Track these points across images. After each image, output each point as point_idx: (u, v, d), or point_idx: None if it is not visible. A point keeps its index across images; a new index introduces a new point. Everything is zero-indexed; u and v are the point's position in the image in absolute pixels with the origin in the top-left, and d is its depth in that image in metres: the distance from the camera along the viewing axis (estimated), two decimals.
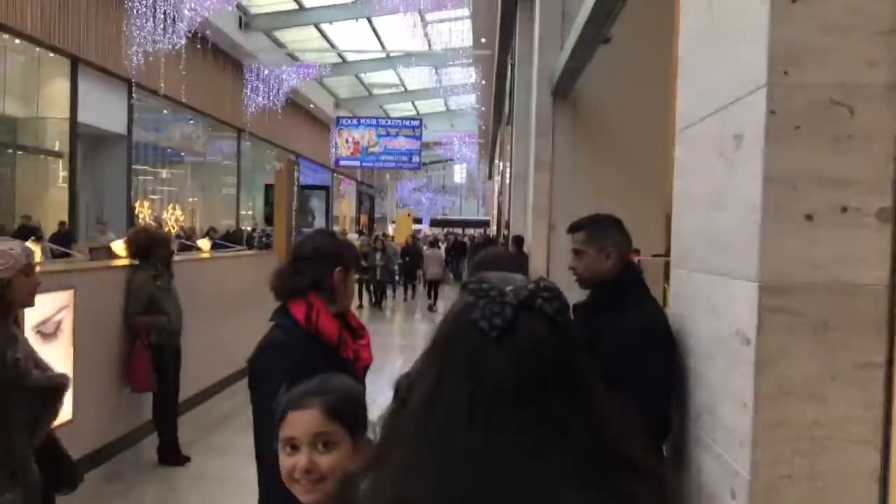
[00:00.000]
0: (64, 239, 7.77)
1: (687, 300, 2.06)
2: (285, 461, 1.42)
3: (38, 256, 4.88)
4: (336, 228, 24.76)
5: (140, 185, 17.60)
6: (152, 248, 4.52)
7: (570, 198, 7.79)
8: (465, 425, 0.74)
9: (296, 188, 8.14)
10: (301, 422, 1.41)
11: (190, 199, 20.43)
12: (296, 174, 8.10)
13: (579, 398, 0.78)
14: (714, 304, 1.80)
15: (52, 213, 13.54)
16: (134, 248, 4.60)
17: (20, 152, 13.76)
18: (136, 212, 16.49)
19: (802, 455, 1.51)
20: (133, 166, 15.99)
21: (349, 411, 1.44)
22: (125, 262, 4.76)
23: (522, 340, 0.77)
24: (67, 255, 5.83)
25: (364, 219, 31.94)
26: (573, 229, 2.37)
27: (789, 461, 1.52)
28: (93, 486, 4.29)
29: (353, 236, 18.31)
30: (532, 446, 0.73)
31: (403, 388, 0.82)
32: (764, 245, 1.52)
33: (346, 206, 31.09)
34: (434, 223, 35.95)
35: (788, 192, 1.51)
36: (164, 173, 19.52)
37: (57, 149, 13.62)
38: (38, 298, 3.65)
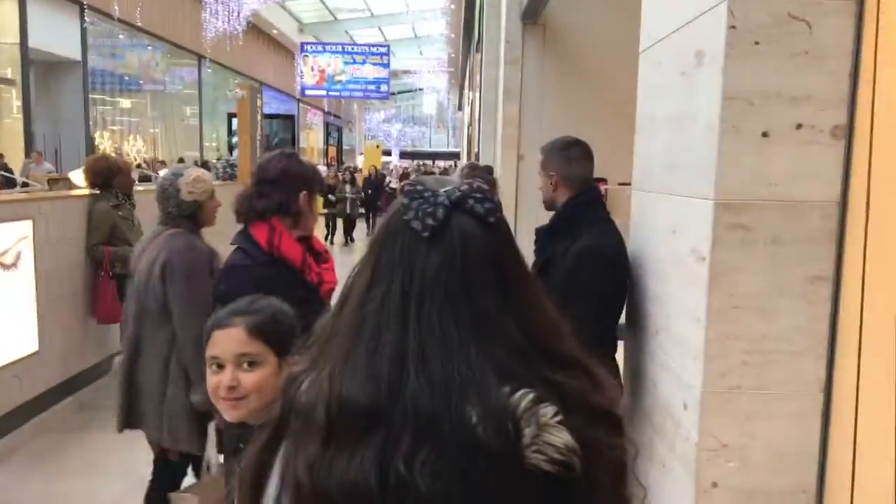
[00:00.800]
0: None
1: (646, 222, 2.09)
2: (210, 379, 1.45)
3: None
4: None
5: (99, 115, 17.06)
6: (112, 177, 4.42)
7: (539, 128, 7.74)
8: (396, 320, 0.77)
9: (259, 117, 7.97)
10: (224, 340, 1.44)
11: (151, 130, 19.90)
12: (259, 102, 7.90)
13: (509, 295, 0.80)
14: (673, 224, 1.83)
15: (9, 143, 13.09)
16: (93, 178, 4.48)
17: None
18: (96, 143, 16.03)
19: (751, 367, 1.57)
20: (90, 95, 15.45)
21: (273, 331, 1.46)
22: (85, 192, 4.65)
23: (453, 238, 0.79)
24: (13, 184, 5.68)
25: (332, 151, 31.47)
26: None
27: (738, 373, 1.57)
28: (64, 415, 4.32)
29: (321, 168, 18.08)
30: (460, 340, 0.76)
31: (343, 290, 0.84)
32: (720, 163, 1.54)
33: (312, 138, 30.54)
34: (403, 155, 35.58)
35: (746, 109, 1.51)
36: (123, 102, 18.91)
37: (9, 76, 13.05)
38: None
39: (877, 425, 1.38)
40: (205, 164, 17.03)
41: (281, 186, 1.98)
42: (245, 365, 1.43)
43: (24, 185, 5.48)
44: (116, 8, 14.50)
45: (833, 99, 1.50)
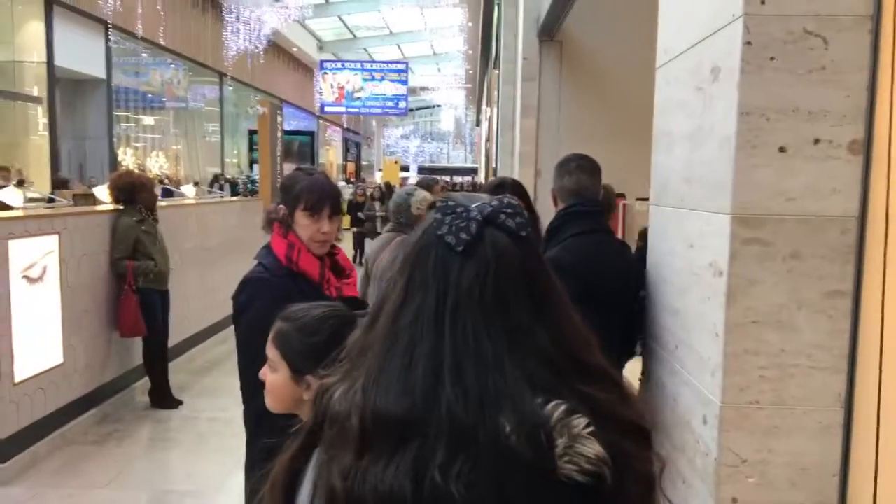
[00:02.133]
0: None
1: (665, 236, 2.09)
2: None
3: (20, 201, 4.84)
4: None
5: (122, 131, 17.33)
6: (135, 193, 4.49)
7: (556, 143, 7.76)
8: (431, 333, 0.78)
9: (280, 133, 8.05)
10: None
11: (173, 147, 20.16)
12: (279, 118, 7.99)
13: (541, 308, 0.82)
14: (690, 238, 1.83)
15: (35, 160, 13.32)
16: (117, 193, 4.56)
17: None
18: (120, 159, 16.27)
19: (770, 382, 1.57)
20: (115, 113, 15.71)
21: (285, 341, 1.49)
22: (109, 207, 4.73)
23: (486, 252, 0.81)
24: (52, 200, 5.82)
25: (351, 166, 31.69)
26: None
27: (757, 388, 1.57)
28: (85, 427, 4.37)
29: (341, 184, 18.04)
30: (494, 352, 0.77)
31: (375, 306, 0.85)
32: (738, 177, 1.54)
33: (332, 154, 30.78)
34: (422, 171, 35.73)
35: (762, 125, 1.52)
36: (146, 119, 19.20)
37: (35, 94, 13.31)
38: (24, 243, 3.66)
39: None
40: (232, 182, 17.21)
41: (284, 196, 2.08)
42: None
43: (51, 200, 5.59)
44: (140, 27, 14.78)
45: (850, 114, 1.51)
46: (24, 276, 3.64)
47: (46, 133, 13.52)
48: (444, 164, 40.97)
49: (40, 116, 13.79)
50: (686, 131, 1.89)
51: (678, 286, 1.94)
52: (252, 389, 1.85)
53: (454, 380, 0.75)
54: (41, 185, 11.49)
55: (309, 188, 2.08)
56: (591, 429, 0.75)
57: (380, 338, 0.81)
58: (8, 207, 4.57)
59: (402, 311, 0.81)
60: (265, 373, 1.50)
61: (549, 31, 7.65)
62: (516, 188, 2.56)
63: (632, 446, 0.79)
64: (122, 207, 4.55)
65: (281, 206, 2.07)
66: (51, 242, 3.86)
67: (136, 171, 4.62)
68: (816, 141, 1.52)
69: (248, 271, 2.02)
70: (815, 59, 1.51)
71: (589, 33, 7.54)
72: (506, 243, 0.82)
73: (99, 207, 4.96)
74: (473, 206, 0.83)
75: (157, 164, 18.60)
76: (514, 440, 0.73)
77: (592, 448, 0.74)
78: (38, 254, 3.75)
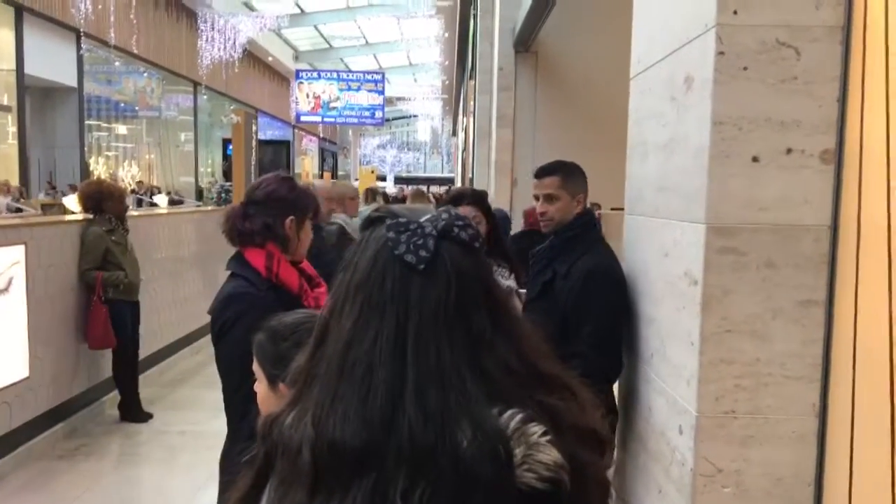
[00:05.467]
0: None
1: (639, 245, 2.09)
2: None
3: None
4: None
5: (94, 140, 17.10)
6: (104, 202, 4.41)
7: (531, 153, 7.80)
8: (392, 358, 0.76)
9: (254, 142, 7.99)
10: None
11: (146, 156, 19.93)
12: (254, 128, 7.93)
13: (498, 318, 0.81)
14: (665, 247, 1.83)
15: (3, 169, 13.08)
16: (85, 202, 4.48)
17: None
18: (91, 168, 16.04)
19: (745, 391, 1.57)
20: (86, 122, 15.49)
21: (259, 350, 1.45)
22: (78, 217, 4.64)
23: (446, 267, 0.79)
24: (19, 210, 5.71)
25: (327, 176, 31.55)
26: (544, 173, 2.37)
27: (732, 397, 1.57)
28: (53, 442, 4.27)
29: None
30: (456, 368, 0.75)
31: (316, 331, 0.82)
32: (711, 187, 1.55)
33: (308, 163, 30.62)
34: (398, 180, 35.71)
35: (735, 134, 1.53)
36: (119, 129, 18.98)
37: (5, 102, 13.09)
38: None
39: (873, 449, 1.37)
40: (200, 193, 17.02)
41: (267, 209, 1.95)
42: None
43: (18, 210, 5.47)
44: (113, 35, 14.61)
45: (822, 124, 1.52)
46: None
47: (16, 142, 13.30)
48: (420, 173, 41.01)
49: (10, 125, 13.57)
50: (660, 141, 1.89)
51: (653, 295, 1.94)
52: (239, 416, 1.76)
53: (415, 403, 0.74)
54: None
55: (312, 197, 2.09)
56: (548, 436, 0.74)
57: (332, 365, 0.78)
58: None
59: (357, 337, 0.78)
60: (257, 386, 1.47)
61: (525, 42, 7.70)
62: (476, 197, 2.52)
63: (589, 453, 0.79)
64: (91, 217, 4.47)
65: (291, 217, 1.97)
66: (17, 253, 3.77)
67: (106, 180, 4.50)
68: (789, 151, 1.53)
69: (230, 286, 1.94)
70: (788, 69, 1.52)
71: (564, 44, 7.60)
72: (462, 256, 0.81)
73: (67, 217, 4.86)
74: (424, 220, 0.82)
75: (128, 174, 18.37)
76: (471, 455, 0.71)
77: (550, 455, 0.73)
78: (3, 264, 3.67)
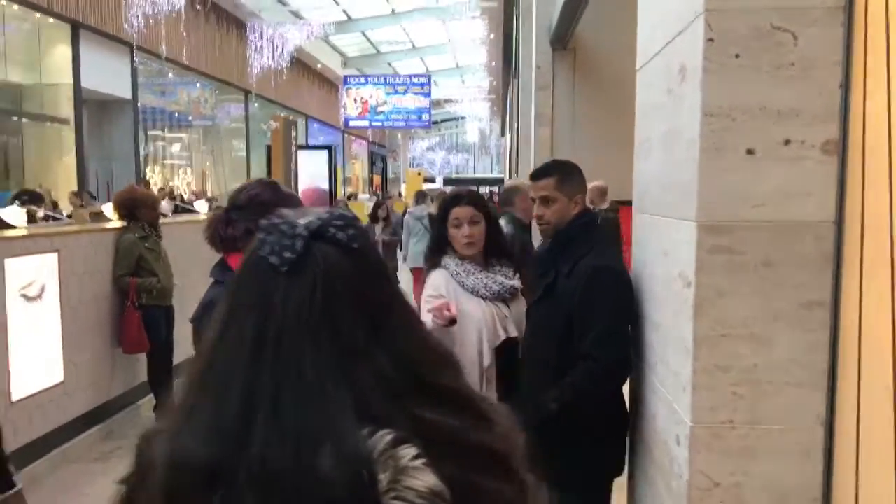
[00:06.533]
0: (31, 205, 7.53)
1: (646, 245, 2.00)
2: None
3: (22, 220, 4.89)
4: (349, 190, 24.71)
5: (151, 151, 17.61)
6: (137, 210, 4.50)
7: (571, 152, 7.66)
8: (248, 365, 0.70)
9: (293, 148, 8.06)
10: None
11: (200, 165, 20.44)
12: (293, 133, 8.01)
13: (378, 326, 0.74)
14: (665, 247, 1.74)
15: (63, 181, 13.57)
16: (120, 210, 4.58)
17: (25, 120, 13.77)
18: (148, 178, 16.51)
19: (743, 400, 1.47)
20: (143, 132, 15.95)
21: None
22: (111, 225, 4.74)
23: (314, 270, 0.73)
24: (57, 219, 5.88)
25: (377, 179, 31.84)
26: (539, 175, 2.29)
27: (730, 406, 1.47)
28: (89, 445, 4.37)
29: (363, 196, 17.85)
30: (319, 381, 0.69)
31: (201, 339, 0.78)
32: (702, 182, 1.45)
33: (357, 167, 30.96)
34: (447, 182, 35.75)
35: (728, 126, 1.43)
36: (174, 138, 19.49)
37: (63, 116, 13.58)
38: (22, 261, 3.67)
39: (877, 462, 1.26)
40: None
41: (250, 214, 1.91)
42: None
43: (47, 218, 5.64)
44: (164, 47, 15.02)
45: (823, 112, 1.41)
46: (22, 295, 3.65)
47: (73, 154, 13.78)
48: (469, 174, 40.94)
49: (70, 138, 14.07)
50: (660, 135, 1.80)
51: (657, 298, 1.85)
52: None
53: (271, 416, 0.67)
54: (67, 205, 11.69)
55: (297, 201, 2.08)
56: (421, 460, 0.67)
57: (196, 375, 0.73)
58: (9, 226, 4.61)
59: (220, 343, 0.73)
60: None
61: (562, 40, 7.57)
62: (474, 198, 2.45)
63: (488, 478, 0.71)
64: (125, 224, 4.57)
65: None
66: (50, 260, 3.87)
67: (140, 188, 4.59)
68: (787, 142, 1.42)
69: (212, 293, 1.93)
70: (784, 55, 1.42)
71: (602, 40, 7.45)
72: (336, 258, 0.74)
73: (100, 225, 4.98)
74: (301, 221, 0.76)
75: (184, 182, 18.85)
76: (332, 481, 0.64)
77: (423, 480, 0.66)
78: (36, 272, 3.77)
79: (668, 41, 1.70)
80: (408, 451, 0.67)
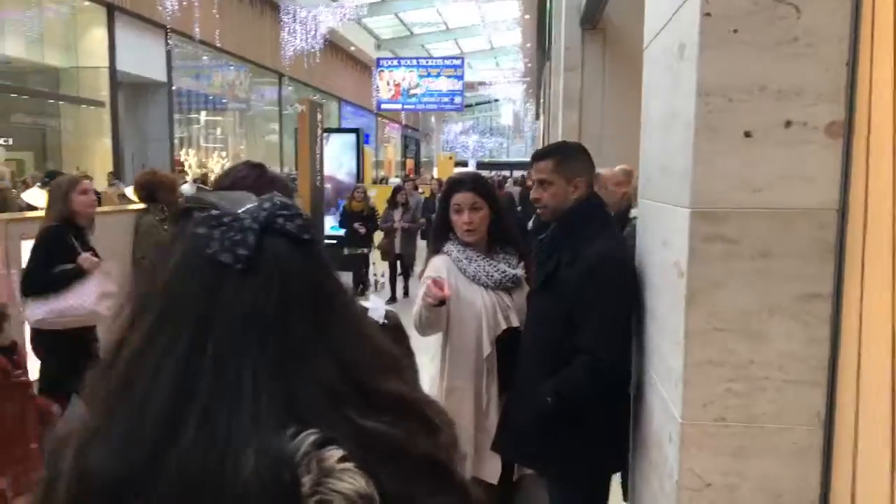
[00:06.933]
0: None
1: (647, 232, 1.92)
2: None
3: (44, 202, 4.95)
4: (381, 173, 24.73)
5: (186, 134, 17.83)
6: (157, 192, 4.51)
7: (599, 134, 7.52)
8: (184, 366, 0.65)
9: (319, 131, 8.04)
10: None
11: (235, 146, 20.64)
12: (319, 116, 7.99)
13: (326, 325, 0.69)
14: (663, 234, 1.66)
15: (101, 162, 13.81)
16: (140, 192, 4.60)
17: (62, 102, 14.02)
18: (183, 160, 16.73)
19: (738, 396, 1.39)
20: (178, 115, 16.15)
21: None
22: (131, 207, 4.78)
23: (268, 266, 0.68)
24: None
25: (410, 163, 31.82)
26: (538, 157, 2.21)
27: (723, 403, 1.40)
28: None
29: (395, 180, 17.76)
30: (256, 383, 0.64)
31: (111, 342, 0.71)
32: (697, 166, 1.37)
33: (390, 151, 30.95)
34: (480, 166, 35.57)
35: (724, 106, 1.35)
36: (209, 121, 19.70)
37: (100, 98, 13.79)
38: None
39: (876, 464, 1.18)
40: None
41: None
42: None
43: None
44: (197, 29, 15.14)
45: (828, 92, 1.32)
46: None
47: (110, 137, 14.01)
48: (503, 158, 40.67)
49: (107, 120, 14.29)
50: (661, 117, 1.71)
51: (656, 288, 1.77)
52: None
53: (202, 422, 0.63)
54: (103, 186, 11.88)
55: (285, 184, 2.03)
56: (349, 462, 0.62)
57: (115, 381, 0.67)
58: (33, 208, 4.67)
59: (148, 348, 0.67)
60: None
61: (592, 19, 7.40)
62: (477, 182, 2.37)
63: (422, 487, 0.66)
64: (145, 207, 4.60)
65: None
66: None
67: (160, 170, 4.60)
68: (788, 123, 1.33)
69: None
70: (786, 29, 1.32)
71: (633, 20, 7.23)
72: (288, 251, 0.69)
73: (119, 207, 5.02)
74: (241, 211, 0.70)
75: (219, 164, 19.07)
76: (252, 484, 0.60)
77: (352, 483, 0.61)
78: None
79: (670, 17, 1.61)
80: (334, 453, 0.62)
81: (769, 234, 1.35)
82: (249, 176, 1.90)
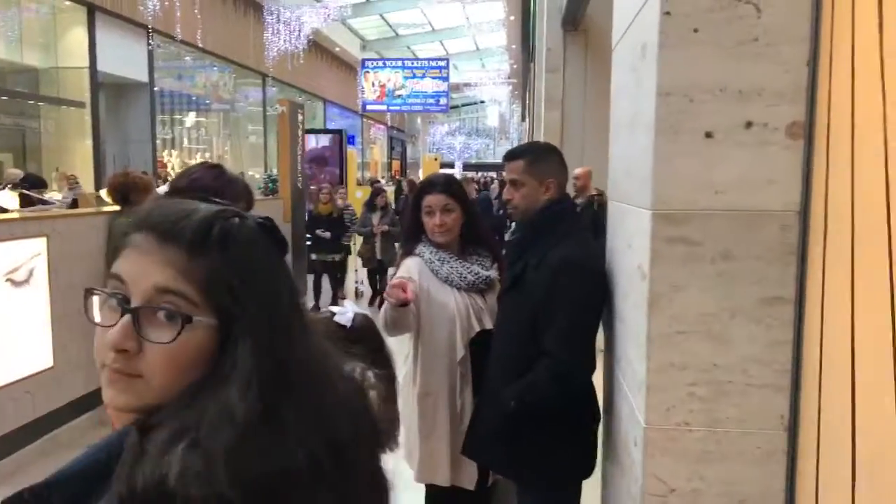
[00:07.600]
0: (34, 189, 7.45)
1: (614, 234, 1.90)
2: None
3: (14, 205, 4.88)
4: (367, 175, 24.66)
5: (168, 134, 17.67)
6: (130, 194, 4.45)
7: (581, 136, 7.52)
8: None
9: (300, 132, 7.98)
10: None
11: (218, 148, 20.49)
12: (300, 117, 7.93)
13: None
14: (629, 236, 1.65)
15: (82, 164, 13.65)
16: (114, 194, 4.53)
17: (42, 103, 13.86)
18: (165, 161, 16.57)
19: (701, 401, 1.38)
20: (161, 116, 16.00)
21: None
22: (104, 209, 4.71)
23: None
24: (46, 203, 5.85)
25: (396, 165, 31.75)
26: (510, 157, 2.19)
27: (686, 407, 1.38)
28: (81, 431, 4.36)
29: (383, 182, 17.73)
30: None
31: None
32: (657, 168, 1.35)
33: (376, 152, 30.88)
34: (467, 167, 35.54)
35: (685, 107, 1.33)
36: (191, 122, 19.54)
37: (80, 99, 13.63)
38: (10, 246, 3.65)
39: (838, 467, 1.16)
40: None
41: (190, 198, 1.86)
42: None
43: (43, 202, 5.63)
44: (179, 29, 15.01)
45: (788, 92, 1.31)
46: (8, 279, 3.63)
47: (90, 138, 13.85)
48: (489, 160, 40.66)
49: (88, 121, 14.13)
50: (626, 118, 1.70)
51: (622, 291, 1.75)
52: None
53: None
54: (87, 188, 11.75)
55: (242, 185, 1.99)
56: None
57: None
58: (4, 211, 4.60)
59: None
60: None
61: (573, 20, 7.40)
62: (448, 185, 2.34)
63: None
64: (118, 209, 4.53)
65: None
66: (38, 245, 3.85)
67: (134, 172, 4.52)
68: (749, 124, 1.32)
69: None
70: (746, 29, 1.31)
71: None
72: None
73: (92, 209, 4.95)
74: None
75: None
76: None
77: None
78: (23, 256, 3.74)
79: (634, 17, 1.60)
80: None
81: (731, 236, 1.34)
82: (205, 177, 1.86)
